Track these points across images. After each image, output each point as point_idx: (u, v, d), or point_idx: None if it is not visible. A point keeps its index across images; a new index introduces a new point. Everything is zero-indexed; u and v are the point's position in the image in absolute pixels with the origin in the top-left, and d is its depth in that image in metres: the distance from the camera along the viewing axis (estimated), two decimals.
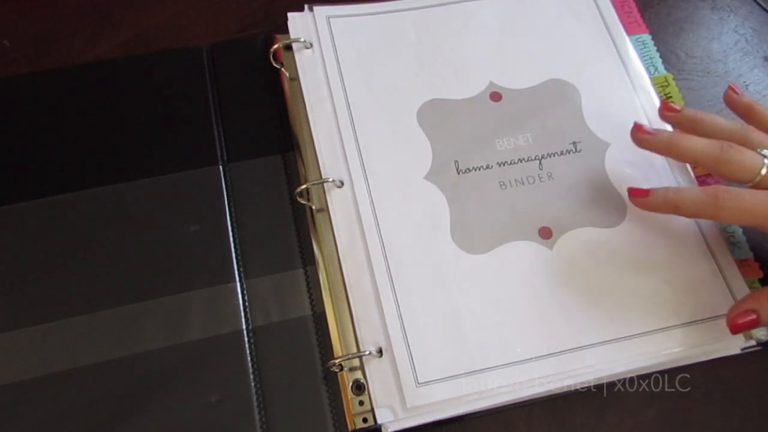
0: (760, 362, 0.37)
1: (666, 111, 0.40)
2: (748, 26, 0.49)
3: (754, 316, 0.34)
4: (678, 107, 0.39)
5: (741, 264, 0.39)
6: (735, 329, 0.35)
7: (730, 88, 0.40)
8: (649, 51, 0.46)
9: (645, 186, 0.37)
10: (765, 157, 0.35)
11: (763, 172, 0.35)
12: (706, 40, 0.49)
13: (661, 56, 0.46)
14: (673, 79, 0.46)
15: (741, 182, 0.35)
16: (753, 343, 0.37)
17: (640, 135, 0.38)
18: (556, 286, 0.37)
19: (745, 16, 0.50)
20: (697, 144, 0.36)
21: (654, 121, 0.43)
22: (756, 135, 0.37)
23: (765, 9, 0.50)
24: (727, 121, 0.38)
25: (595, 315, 0.37)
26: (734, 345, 0.37)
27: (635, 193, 0.37)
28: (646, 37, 0.47)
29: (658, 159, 0.42)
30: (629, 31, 0.47)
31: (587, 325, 0.36)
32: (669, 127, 0.42)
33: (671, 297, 0.37)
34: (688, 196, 0.35)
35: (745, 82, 0.47)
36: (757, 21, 0.50)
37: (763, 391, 0.37)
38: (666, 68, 0.46)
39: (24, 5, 0.47)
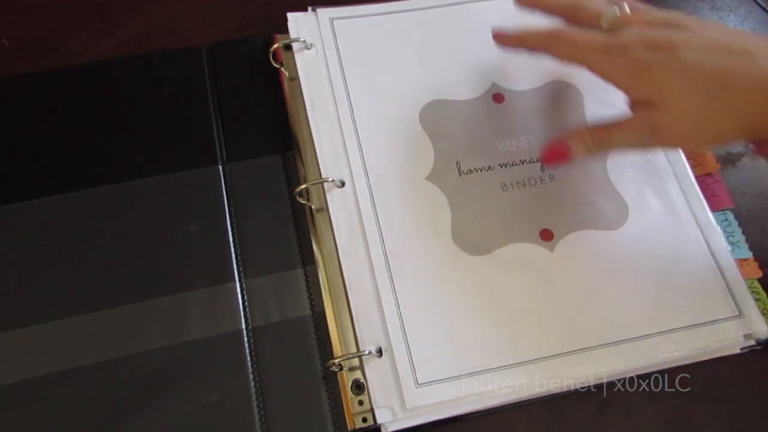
0: (760, 362, 0.37)
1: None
2: (747, 26, 0.49)
3: (566, 152, 0.36)
4: None
5: (741, 264, 0.39)
6: (548, 161, 0.37)
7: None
8: None
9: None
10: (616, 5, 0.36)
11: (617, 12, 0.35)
12: None
13: None
14: None
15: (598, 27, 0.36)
16: (753, 342, 0.37)
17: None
18: (556, 289, 0.37)
19: (745, 16, 0.50)
20: None
21: None
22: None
23: (764, 9, 0.50)
24: None
25: (595, 318, 0.37)
26: (734, 345, 0.37)
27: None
28: None
29: (660, 159, 0.42)
30: None
31: (588, 328, 0.36)
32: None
33: (672, 300, 0.37)
34: (531, 33, 0.38)
35: None
36: (757, 21, 0.50)
37: (763, 391, 0.37)
38: None
39: (24, 5, 0.47)
